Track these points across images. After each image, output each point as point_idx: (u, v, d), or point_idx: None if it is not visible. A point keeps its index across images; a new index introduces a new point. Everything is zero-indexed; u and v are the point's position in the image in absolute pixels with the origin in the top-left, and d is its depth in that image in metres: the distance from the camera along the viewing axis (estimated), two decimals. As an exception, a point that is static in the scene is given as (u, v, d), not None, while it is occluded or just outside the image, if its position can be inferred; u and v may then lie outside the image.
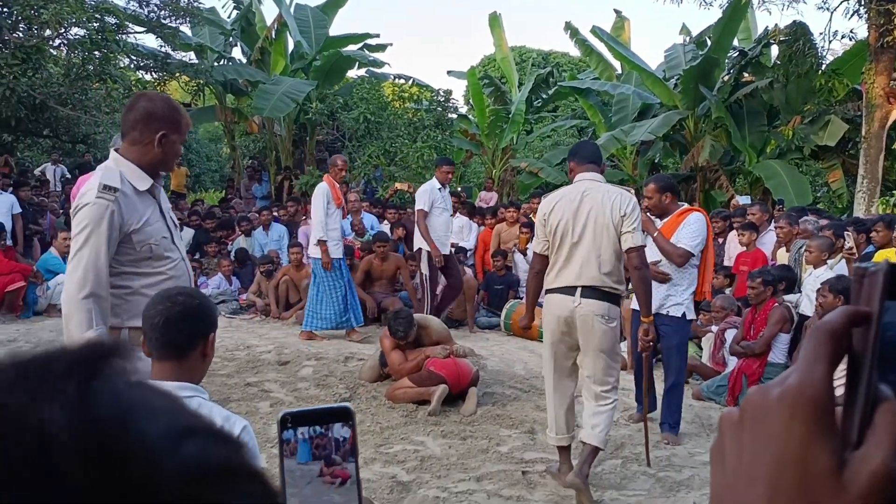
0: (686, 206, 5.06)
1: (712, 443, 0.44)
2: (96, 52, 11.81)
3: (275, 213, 10.70)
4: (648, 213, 4.84)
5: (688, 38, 16.78)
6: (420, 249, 7.53)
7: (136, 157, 2.54)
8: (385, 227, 9.62)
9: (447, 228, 7.71)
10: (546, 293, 4.03)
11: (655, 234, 4.78)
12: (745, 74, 14.32)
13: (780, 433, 0.39)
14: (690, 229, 4.77)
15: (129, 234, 2.47)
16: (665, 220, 4.91)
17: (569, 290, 3.87)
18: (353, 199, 9.96)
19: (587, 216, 3.86)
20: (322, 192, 7.07)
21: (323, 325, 7.23)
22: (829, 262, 6.26)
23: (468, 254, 9.55)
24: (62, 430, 0.26)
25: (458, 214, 9.82)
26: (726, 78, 14.24)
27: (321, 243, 7.04)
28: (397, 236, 9.19)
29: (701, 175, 13.84)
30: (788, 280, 6.51)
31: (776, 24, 13.75)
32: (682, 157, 14.81)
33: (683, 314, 4.83)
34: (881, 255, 6.47)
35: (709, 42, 14.37)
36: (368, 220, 10.16)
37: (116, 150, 2.58)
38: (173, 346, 1.92)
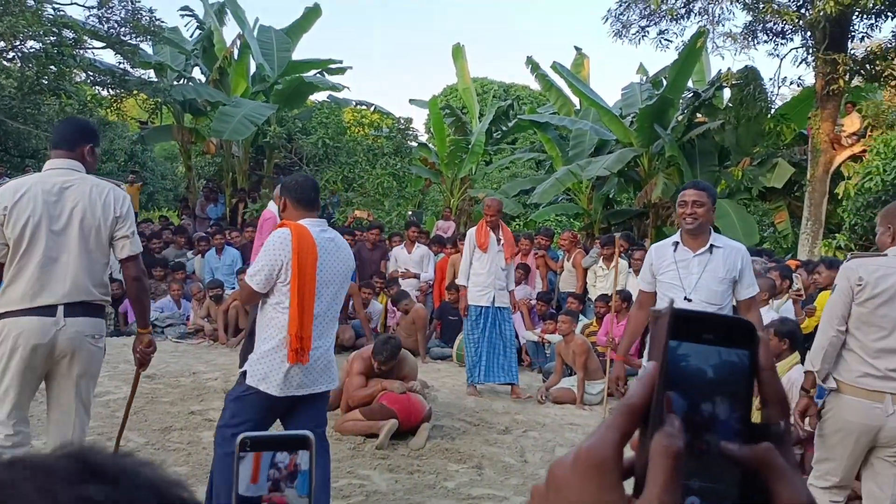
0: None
1: None
2: (52, 67, 11.60)
3: (228, 238, 10.55)
4: None
5: (644, 78, 17.24)
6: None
7: None
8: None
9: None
10: None
11: None
12: (699, 115, 14.74)
13: (575, 494, 0.45)
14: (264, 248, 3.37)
15: None
16: None
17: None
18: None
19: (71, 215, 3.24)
20: (469, 237, 6.86)
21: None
22: (773, 302, 6.42)
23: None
24: None
25: (417, 245, 9.83)
26: (680, 118, 14.64)
27: (461, 288, 6.88)
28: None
29: (654, 212, 14.14)
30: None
31: (729, 68, 14.23)
32: (636, 193, 15.11)
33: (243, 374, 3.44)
34: (824, 297, 6.66)
35: (664, 82, 14.78)
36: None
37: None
38: None
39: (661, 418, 0.44)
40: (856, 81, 13.06)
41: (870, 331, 3.23)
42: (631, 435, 0.46)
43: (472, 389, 6.85)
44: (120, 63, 14.12)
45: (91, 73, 13.93)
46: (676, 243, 3.95)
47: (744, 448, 0.44)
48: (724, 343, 0.45)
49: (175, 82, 15.60)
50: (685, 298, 3.80)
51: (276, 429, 3.84)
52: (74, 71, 12.83)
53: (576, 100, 16.47)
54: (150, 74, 15.50)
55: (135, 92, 14.81)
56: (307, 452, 0.73)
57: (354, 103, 17.35)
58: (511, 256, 6.84)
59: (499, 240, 6.77)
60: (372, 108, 17.16)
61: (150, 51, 15.31)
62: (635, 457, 0.46)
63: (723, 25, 13.29)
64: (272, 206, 6.66)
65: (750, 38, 13.20)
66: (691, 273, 3.85)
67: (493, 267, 6.73)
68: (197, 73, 16.77)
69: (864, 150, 11.73)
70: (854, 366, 3.28)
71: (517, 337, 7.63)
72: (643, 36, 13.88)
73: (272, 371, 3.33)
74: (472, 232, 6.88)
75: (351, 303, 8.51)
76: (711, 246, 3.86)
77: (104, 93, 14.97)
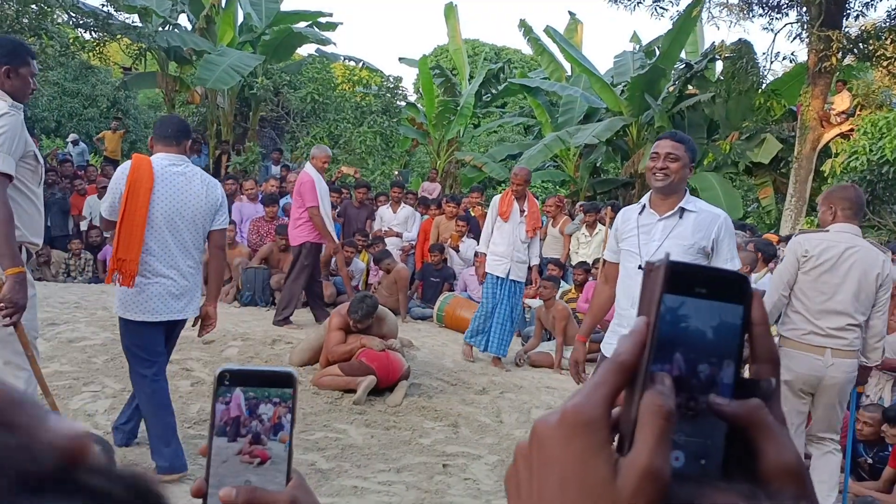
0: None
1: (507, 471, 0.47)
2: (33, 6, 11.28)
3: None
4: None
5: (637, 47, 17.09)
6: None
7: None
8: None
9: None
10: None
11: None
12: (690, 87, 14.67)
13: (560, 454, 0.42)
14: None
15: None
16: None
17: None
18: (293, 180, 9.78)
19: None
20: (493, 204, 6.59)
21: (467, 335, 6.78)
22: (753, 275, 6.47)
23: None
24: None
25: (402, 205, 9.77)
26: (671, 89, 14.57)
27: (480, 255, 6.68)
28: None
29: (640, 182, 14.14)
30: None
31: (723, 41, 14.14)
32: (624, 162, 15.09)
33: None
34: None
35: (657, 52, 14.67)
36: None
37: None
38: None
39: (651, 376, 0.42)
40: (848, 60, 13.04)
41: (813, 295, 3.75)
42: (619, 393, 0.43)
43: (467, 349, 6.71)
44: (103, 5, 13.76)
45: (73, 15, 13.55)
46: (644, 206, 3.37)
47: (733, 403, 0.42)
48: (716, 297, 0.43)
49: (160, 28, 15.24)
50: (640, 268, 3.08)
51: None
52: (56, 11, 12.48)
53: (567, 66, 16.33)
54: (135, 19, 15.12)
55: (118, 36, 14.45)
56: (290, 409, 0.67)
57: (343, 58, 17.08)
58: (534, 230, 6.51)
59: (522, 211, 6.45)
60: (361, 65, 16.90)
61: (135, -6, 14.93)
62: (621, 413, 0.43)
63: (719, -5, 13.17)
64: (309, 169, 6.86)
65: (746, 10, 13.10)
66: (652, 239, 3.27)
67: (512, 238, 6.42)
68: (183, 20, 16.39)
69: (852, 130, 11.76)
70: (800, 325, 3.80)
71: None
72: (639, 2, 13.72)
73: (125, 297, 3.57)
74: (496, 199, 6.57)
75: (333, 260, 8.47)
76: (682, 209, 3.25)
77: (87, 36, 14.59)
